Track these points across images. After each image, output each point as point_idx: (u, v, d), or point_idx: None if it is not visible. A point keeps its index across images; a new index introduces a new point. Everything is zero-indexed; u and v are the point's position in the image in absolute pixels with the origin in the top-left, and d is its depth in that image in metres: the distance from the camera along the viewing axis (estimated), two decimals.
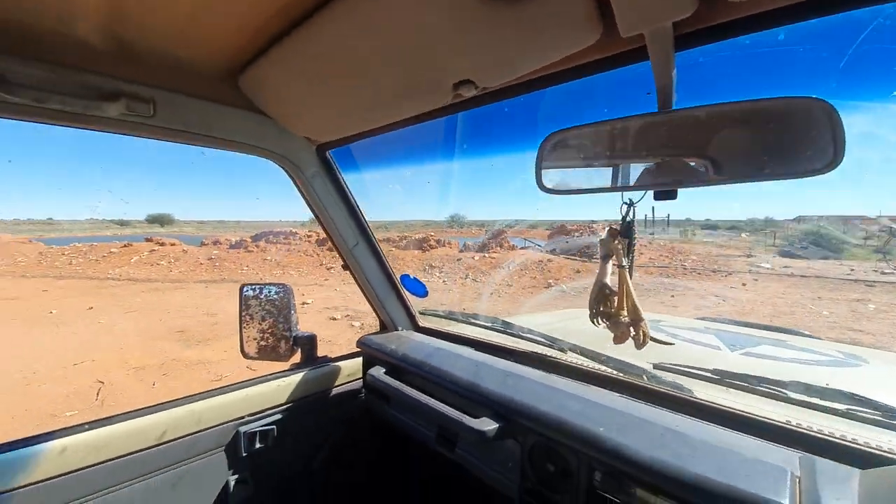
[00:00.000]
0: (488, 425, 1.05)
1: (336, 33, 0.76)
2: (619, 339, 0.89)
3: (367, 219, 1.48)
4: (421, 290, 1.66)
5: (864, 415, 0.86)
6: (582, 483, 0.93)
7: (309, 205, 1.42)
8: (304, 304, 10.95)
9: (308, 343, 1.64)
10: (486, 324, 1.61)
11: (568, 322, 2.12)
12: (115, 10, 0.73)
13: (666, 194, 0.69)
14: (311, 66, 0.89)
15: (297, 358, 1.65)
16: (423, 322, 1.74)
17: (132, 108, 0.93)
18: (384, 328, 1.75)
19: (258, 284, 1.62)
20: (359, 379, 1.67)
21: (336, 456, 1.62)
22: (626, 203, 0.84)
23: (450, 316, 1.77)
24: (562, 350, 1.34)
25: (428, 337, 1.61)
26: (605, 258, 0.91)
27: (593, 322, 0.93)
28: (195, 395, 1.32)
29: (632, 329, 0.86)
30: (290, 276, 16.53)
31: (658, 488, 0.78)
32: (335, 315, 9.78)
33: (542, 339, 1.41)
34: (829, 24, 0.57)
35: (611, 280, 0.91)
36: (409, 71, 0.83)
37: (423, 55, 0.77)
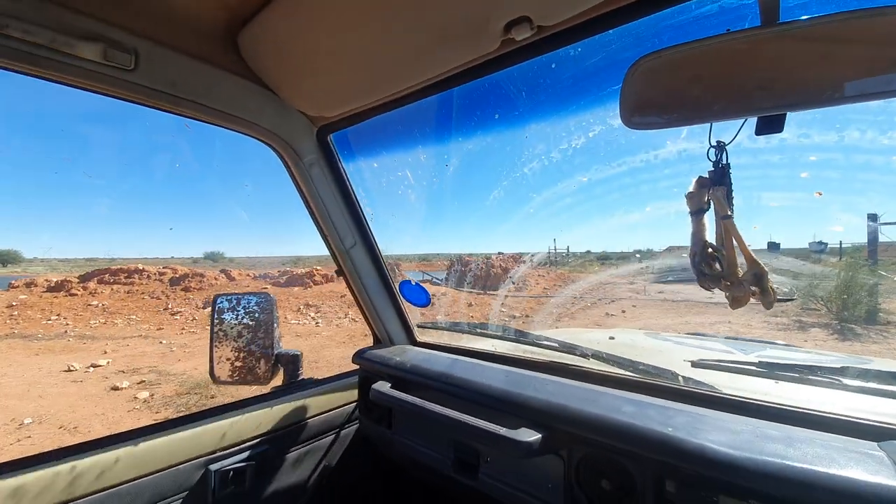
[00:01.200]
0: (530, 436, 0.89)
1: None
2: (738, 303, 0.77)
3: (367, 216, 1.34)
4: (423, 300, 1.51)
5: None
6: (648, 497, 0.79)
7: (303, 197, 1.26)
8: (91, 366, 8.67)
9: (292, 362, 1.43)
10: (497, 332, 1.47)
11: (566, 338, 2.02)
12: None
13: (771, 125, 0.62)
14: (321, 16, 0.78)
15: (278, 380, 1.43)
16: (421, 336, 1.57)
17: (110, 56, 0.79)
18: (377, 343, 1.56)
19: (235, 294, 1.41)
20: (352, 402, 1.46)
21: (326, 498, 1.37)
22: (713, 146, 0.75)
23: (452, 328, 1.62)
24: (584, 356, 1.22)
25: (432, 350, 1.45)
26: (698, 213, 0.79)
27: (704, 287, 0.81)
28: (148, 426, 1.07)
29: (754, 287, 0.74)
30: (114, 327, 13.57)
31: (751, 491, 0.67)
32: (122, 383, 7.53)
33: (560, 346, 1.29)
34: None
35: (710, 236, 0.79)
36: (446, 10, 0.72)
37: None
